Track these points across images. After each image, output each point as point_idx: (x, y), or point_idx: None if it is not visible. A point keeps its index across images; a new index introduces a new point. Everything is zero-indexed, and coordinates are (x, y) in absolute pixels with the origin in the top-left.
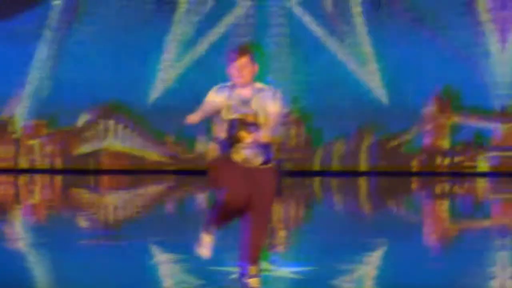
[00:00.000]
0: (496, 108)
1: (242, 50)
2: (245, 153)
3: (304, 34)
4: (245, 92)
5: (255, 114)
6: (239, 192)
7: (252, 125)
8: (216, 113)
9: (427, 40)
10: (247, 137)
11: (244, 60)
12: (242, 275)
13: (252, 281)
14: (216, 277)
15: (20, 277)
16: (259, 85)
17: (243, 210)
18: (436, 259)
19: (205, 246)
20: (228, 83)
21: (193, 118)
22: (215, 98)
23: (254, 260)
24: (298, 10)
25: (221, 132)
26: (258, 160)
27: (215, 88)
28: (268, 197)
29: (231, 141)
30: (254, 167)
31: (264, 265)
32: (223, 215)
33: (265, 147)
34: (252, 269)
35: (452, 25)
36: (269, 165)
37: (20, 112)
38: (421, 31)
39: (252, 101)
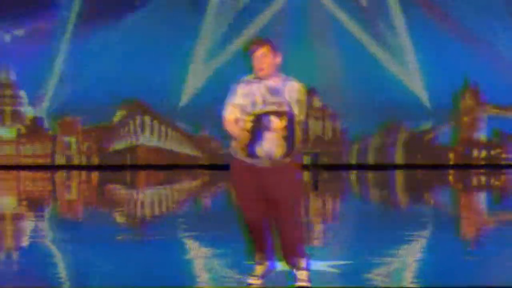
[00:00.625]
0: None
1: (260, 41)
2: (269, 145)
3: (339, 30)
4: (273, 82)
5: (288, 104)
6: (252, 209)
7: (283, 114)
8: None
9: (463, 34)
10: (276, 126)
11: (263, 50)
12: (292, 267)
13: (300, 273)
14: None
15: (58, 273)
16: (283, 75)
17: (262, 221)
18: (474, 252)
19: (259, 273)
20: (252, 77)
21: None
22: (240, 101)
23: (302, 254)
24: (333, 6)
25: (247, 125)
26: (279, 151)
27: (239, 89)
28: (291, 192)
29: (259, 133)
30: (271, 167)
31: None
32: (255, 234)
33: (288, 139)
34: (300, 262)
35: (491, 22)
36: (289, 158)
37: (54, 109)
38: (458, 25)
39: (284, 90)
